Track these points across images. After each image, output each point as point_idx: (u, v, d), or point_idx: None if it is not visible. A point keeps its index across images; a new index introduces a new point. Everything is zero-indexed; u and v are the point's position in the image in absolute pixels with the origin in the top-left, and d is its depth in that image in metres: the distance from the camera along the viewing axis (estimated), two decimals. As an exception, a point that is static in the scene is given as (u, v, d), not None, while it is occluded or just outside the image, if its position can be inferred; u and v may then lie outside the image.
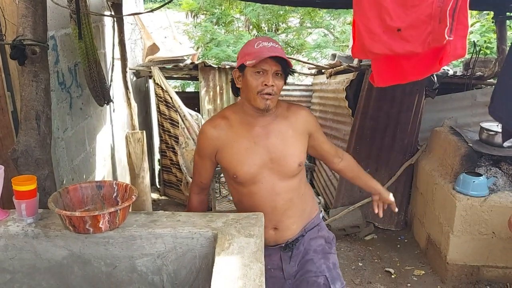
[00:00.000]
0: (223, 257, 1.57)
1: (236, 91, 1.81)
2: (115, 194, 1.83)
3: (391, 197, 1.98)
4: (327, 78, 4.79)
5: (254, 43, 1.69)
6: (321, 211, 4.51)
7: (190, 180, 4.84)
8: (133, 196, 1.72)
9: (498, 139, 3.13)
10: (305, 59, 7.30)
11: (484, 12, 5.56)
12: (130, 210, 1.77)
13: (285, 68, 1.69)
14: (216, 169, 3.97)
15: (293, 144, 1.80)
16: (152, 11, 2.33)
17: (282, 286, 1.93)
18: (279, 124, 1.79)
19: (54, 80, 2.99)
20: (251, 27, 8.27)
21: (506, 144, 3.13)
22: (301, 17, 8.23)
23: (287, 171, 1.79)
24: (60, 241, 1.65)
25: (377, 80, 1.91)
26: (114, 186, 1.84)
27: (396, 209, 2.02)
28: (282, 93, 6.10)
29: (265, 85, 1.65)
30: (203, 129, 1.84)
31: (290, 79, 6.67)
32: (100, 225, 1.59)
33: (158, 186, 5.65)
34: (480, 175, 3.13)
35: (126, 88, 4.20)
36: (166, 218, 1.80)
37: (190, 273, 1.77)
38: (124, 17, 3.88)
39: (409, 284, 3.32)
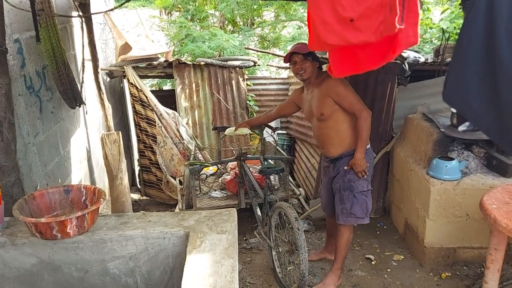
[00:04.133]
0: (195, 255, 1.57)
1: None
2: (83, 198, 1.81)
3: (357, 162, 2.87)
4: (302, 70, 4.80)
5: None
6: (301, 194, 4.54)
7: (170, 179, 4.82)
8: (101, 199, 1.70)
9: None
10: (281, 53, 7.30)
11: (453, -2, 5.65)
12: (110, 213, 1.76)
13: (306, 55, 2.88)
14: (194, 167, 3.95)
15: (318, 102, 2.91)
16: (113, 9, 2.29)
17: (328, 179, 3.15)
18: (315, 90, 2.97)
19: (22, 85, 2.92)
20: (226, 22, 8.21)
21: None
22: (276, 11, 8.21)
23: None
24: (28, 248, 1.62)
25: (334, 70, 1.93)
26: (82, 189, 1.82)
27: (346, 167, 2.94)
28: (259, 87, 6.07)
29: (296, 68, 2.94)
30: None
31: (266, 73, 6.59)
32: (68, 230, 1.57)
33: (139, 187, 5.60)
34: (452, 159, 3.19)
35: (99, 89, 4.13)
36: (137, 219, 1.79)
37: (164, 273, 1.77)
38: (93, 17, 3.81)
39: (389, 270, 3.38)
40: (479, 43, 1.31)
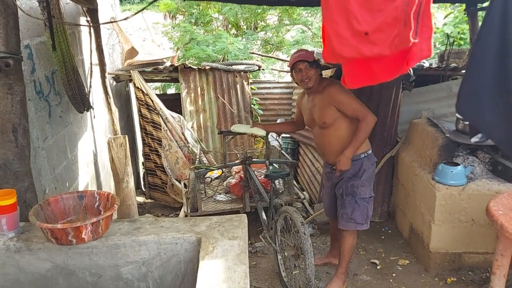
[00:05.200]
0: (207, 261, 1.59)
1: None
2: (97, 204, 1.84)
3: (342, 160, 2.85)
4: (307, 74, 4.83)
5: (293, 55, 2.98)
6: (304, 198, 4.56)
7: (175, 182, 4.85)
8: (115, 205, 1.73)
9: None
10: (284, 57, 7.33)
11: (457, 3, 5.68)
12: (116, 217, 1.78)
13: (311, 62, 2.87)
14: (200, 170, 3.97)
15: (320, 111, 2.92)
16: (126, 18, 2.32)
17: (331, 185, 3.17)
18: (316, 98, 2.97)
19: (32, 90, 2.95)
20: (229, 26, 8.25)
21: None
22: (279, 15, 8.25)
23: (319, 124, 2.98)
24: (43, 253, 1.65)
25: (348, 82, 1.96)
26: (96, 195, 1.84)
27: (337, 171, 2.94)
28: (263, 91, 6.11)
29: (302, 75, 2.90)
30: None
31: (270, 77, 6.63)
32: (83, 236, 1.60)
33: (144, 189, 5.63)
34: (458, 164, 3.21)
35: (106, 93, 4.16)
36: (150, 224, 1.82)
37: (176, 278, 1.79)
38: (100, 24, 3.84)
39: (394, 274, 3.39)
40: (493, 55, 1.32)
